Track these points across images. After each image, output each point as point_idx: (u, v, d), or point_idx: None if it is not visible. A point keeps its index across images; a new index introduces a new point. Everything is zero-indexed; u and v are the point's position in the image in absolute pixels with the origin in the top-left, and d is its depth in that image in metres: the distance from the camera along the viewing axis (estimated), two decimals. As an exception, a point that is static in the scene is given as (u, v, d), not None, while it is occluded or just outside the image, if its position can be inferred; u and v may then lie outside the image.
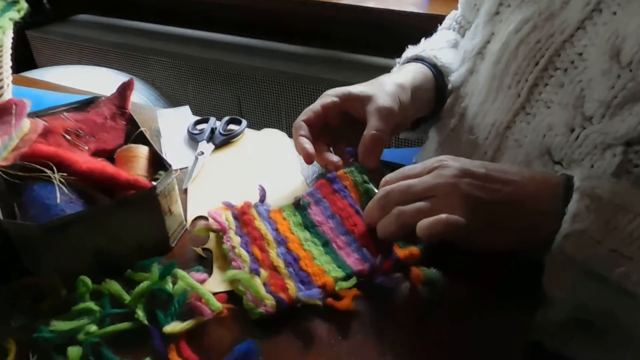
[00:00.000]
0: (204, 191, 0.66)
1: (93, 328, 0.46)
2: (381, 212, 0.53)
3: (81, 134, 0.62)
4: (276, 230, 0.56)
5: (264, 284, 0.49)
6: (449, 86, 0.79)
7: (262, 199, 0.61)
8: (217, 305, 0.47)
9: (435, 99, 0.79)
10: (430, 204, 0.51)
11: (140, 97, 1.57)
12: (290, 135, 0.77)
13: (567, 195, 0.51)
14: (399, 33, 1.27)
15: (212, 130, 0.78)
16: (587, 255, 0.48)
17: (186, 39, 1.84)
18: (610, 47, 0.55)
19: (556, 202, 0.51)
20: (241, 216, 0.58)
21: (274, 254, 0.53)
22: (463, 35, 0.88)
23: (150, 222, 0.54)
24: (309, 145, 0.63)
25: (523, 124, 0.65)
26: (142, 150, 0.60)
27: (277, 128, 0.80)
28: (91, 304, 0.48)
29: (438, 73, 0.79)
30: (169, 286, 0.50)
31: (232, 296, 0.50)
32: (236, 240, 0.54)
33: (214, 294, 0.49)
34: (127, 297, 0.49)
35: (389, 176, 0.56)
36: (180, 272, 0.50)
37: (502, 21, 0.70)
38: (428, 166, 0.54)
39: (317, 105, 0.66)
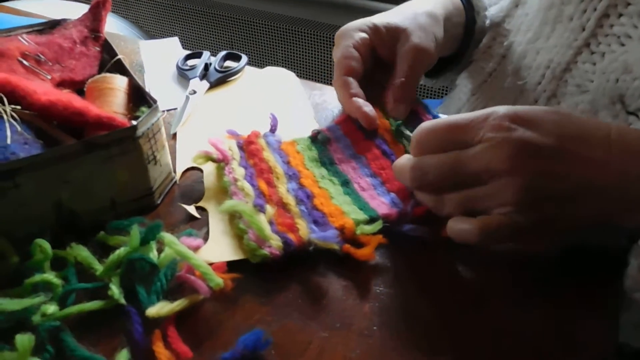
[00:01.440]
0: (197, 137, 0.54)
1: (52, 308, 0.35)
2: (414, 186, 0.41)
3: (43, 59, 0.50)
4: (287, 163, 0.48)
5: (270, 223, 0.41)
6: (487, 22, 0.67)
7: (274, 129, 0.52)
8: (217, 279, 0.36)
9: (462, 37, 0.67)
10: (476, 193, 0.38)
11: (123, 37, 1.42)
12: (299, 77, 0.65)
13: None
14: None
15: (206, 67, 0.65)
16: None
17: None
18: None
19: None
20: (247, 146, 0.49)
21: (284, 189, 0.44)
22: None
23: (129, 171, 0.43)
24: (368, 108, 0.50)
25: (587, 65, 0.53)
26: (120, 82, 0.48)
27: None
28: (51, 276, 0.37)
29: (469, 6, 0.66)
30: (153, 254, 0.39)
31: (234, 266, 0.39)
32: (240, 171, 0.46)
33: (211, 264, 0.38)
34: (98, 267, 0.38)
35: (423, 131, 0.40)
36: (167, 236, 0.38)
37: None
38: (480, 130, 0.38)
39: (349, 49, 0.52)
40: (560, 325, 0.36)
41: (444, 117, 0.40)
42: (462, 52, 0.69)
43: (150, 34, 1.56)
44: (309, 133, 0.52)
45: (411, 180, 0.40)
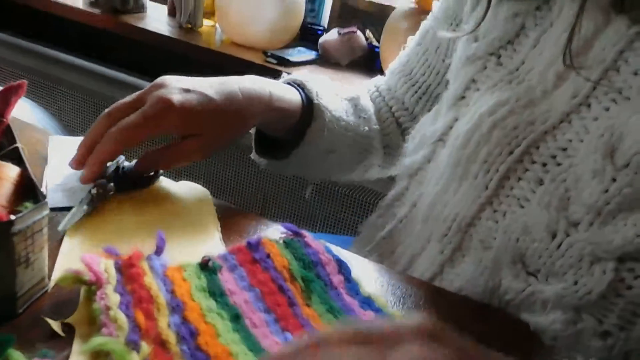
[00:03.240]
0: (87, 243, 0.49)
1: None
2: None
3: None
4: (172, 292, 0.42)
5: None
6: (406, 172, 0.70)
7: (159, 251, 0.47)
8: (64, 417, 0.30)
9: (287, 130, 0.69)
10: None
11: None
12: (212, 195, 0.63)
13: None
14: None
15: (117, 170, 0.62)
16: None
17: (104, 77, 1.68)
18: (603, 144, 0.49)
19: None
20: (127, 269, 0.43)
21: (164, 323, 0.39)
22: (379, 105, 0.80)
23: (-8, 272, 0.37)
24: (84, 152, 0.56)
25: (490, 223, 0.55)
26: (9, 171, 0.43)
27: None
28: None
29: (307, 109, 0.68)
30: (-7, 377, 0.32)
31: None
32: (114, 299, 0.40)
33: (64, 396, 0.32)
34: None
35: None
36: (16, 355, 0.32)
37: (468, 105, 0.63)
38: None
39: (157, 123, 0.57)
40: None
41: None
42: (292, 149, 0.70)
43: (69, 129, 1.52)
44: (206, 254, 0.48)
45: None
